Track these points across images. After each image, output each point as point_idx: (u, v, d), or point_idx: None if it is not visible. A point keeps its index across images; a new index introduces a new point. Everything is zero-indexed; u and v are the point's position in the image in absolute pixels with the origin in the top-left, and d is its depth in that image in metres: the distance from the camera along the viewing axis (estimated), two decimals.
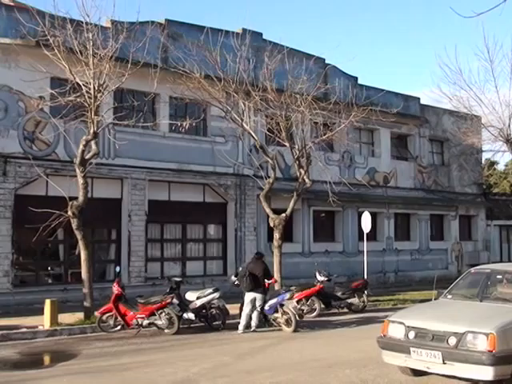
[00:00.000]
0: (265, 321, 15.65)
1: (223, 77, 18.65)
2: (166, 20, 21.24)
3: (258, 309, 15.35)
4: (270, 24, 65.09)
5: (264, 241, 23.91)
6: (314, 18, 69.35)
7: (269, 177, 19.88)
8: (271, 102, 19.21)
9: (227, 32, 20.21)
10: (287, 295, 15.74)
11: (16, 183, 18.24)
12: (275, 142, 20.79)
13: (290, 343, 13.96)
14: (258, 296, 15.37)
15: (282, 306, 15.57)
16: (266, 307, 15.45)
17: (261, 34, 23.48)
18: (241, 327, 15.21)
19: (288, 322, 15.35)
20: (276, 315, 15.55)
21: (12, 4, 19.75)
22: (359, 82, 27.30)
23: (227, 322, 15.64)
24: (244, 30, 21.60)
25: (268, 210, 19.89)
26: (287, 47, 20.23)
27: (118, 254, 20.62)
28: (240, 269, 16.47)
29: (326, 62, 24.57)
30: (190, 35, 20.83)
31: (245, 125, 19.04)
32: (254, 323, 15.31)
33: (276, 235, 19.69)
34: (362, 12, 69.19)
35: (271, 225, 19.95)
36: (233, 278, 16.34)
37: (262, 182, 20.49)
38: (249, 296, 15.38)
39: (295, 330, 15.16)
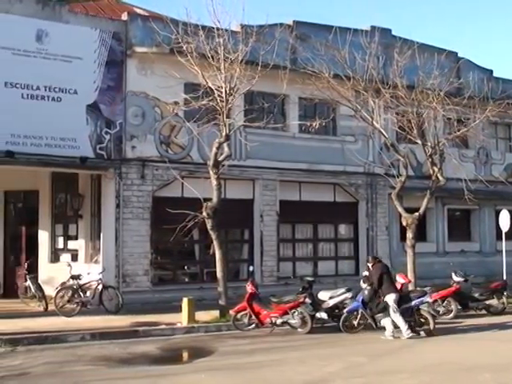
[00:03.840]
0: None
1: (352, 75, 18.52)
2: (294, 21, 21.35)
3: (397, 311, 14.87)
4: (398, 20, 63.91)
5: (396, 240, 23.48)
6: (444, 10, 67.37)
7: (400, 175, 19.54)
8: (402, 99, 18.87)
9: (356, 30, 20.06)
10: (427, 298, 15.28)
11: (153, 185, 18.99)
12: (406, 140, 20.39)
13: (426, 345, 13.64)
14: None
15: (418, 309, 15.14)
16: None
17: (390, 31, 23.07)
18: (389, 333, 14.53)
19: (423, 324, 14.94)
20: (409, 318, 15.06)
21: (147, 14, 20.61)
22: (495, 74, 26.20)
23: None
24: (372, 27, 21.32)
25: (400, 209, 19.55)
26: (417, 42, 19.84)
27: (251, 253, 20.96)
28: (364, 274, 15.97)
29: (459, 55, 23.80)
30: (318, 35, 20.83)
31: (375, 123, 18.81)
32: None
33: (409, 235, 19.30)
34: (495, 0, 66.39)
35: (404, 224, 19.59)
36: (362, 283, 15.49)
37: (393, 180, 20.13)
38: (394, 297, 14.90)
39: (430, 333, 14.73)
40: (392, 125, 21.00)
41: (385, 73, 20.20)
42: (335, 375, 10.58)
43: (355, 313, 15.05)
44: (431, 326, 14.80)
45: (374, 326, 14.88)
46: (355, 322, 15.04)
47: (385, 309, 14.63)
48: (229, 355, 12.61)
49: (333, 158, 22.09)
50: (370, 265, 15.24)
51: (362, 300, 14.85)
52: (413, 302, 14.87)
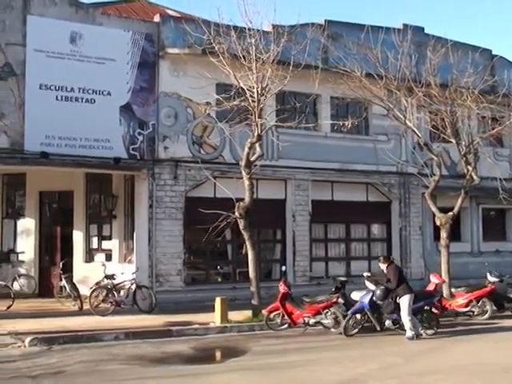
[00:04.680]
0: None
1: (385, 74, 18.43)
2: (325, 21, 21.28)
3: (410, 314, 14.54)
4: (431, 18, 63.35)
5: (430, 240, 23.29)
6: (477, 7, 66.54)
7: (434, 174, 19.39)
8: (435, 97, 18.73)
9: (388, 29, 19.96)
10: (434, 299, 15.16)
11: (186, 186, 19.09)
12: (440, 139, 20.21)
13: (461, 346, 13.49)
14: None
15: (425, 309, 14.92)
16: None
17: (422, 29, 22.86)
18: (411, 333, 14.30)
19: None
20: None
21: (179, 16, 20.75)
22: None
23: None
24: (405, 25, 21.18)
25: (434, 209, 19.40)
26: (451, 40, 19.63)
27: (284, 253, 20.95)
28: (366, 274, 15.76)
29: (493, 53, 23.50)
30: (350, 34, 20.75)
31: (408, 122, 18.69)
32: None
33: (443, 234, 19.14)
34: None
35: (438, 224, 19.45)
36: (368, 284, 15.17)
37: (426, 180, 19.99)
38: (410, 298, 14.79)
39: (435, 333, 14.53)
40: (425, 124, 20.82)
41: (417, 71, 20.06)
42: (368, 376, 10.53)
43: (358, 314, 14.68)
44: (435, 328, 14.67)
45: (379, 328, 14.60)
46: (352, 324, 14.61)
47: (395, 310, 14.41)
48: (262, 355, 12.62)
49: (365, 157, 21.97)
50: (381, 265, 14.99)
51: (370, 300, 14.51)
52: (421, 303, 14.71)
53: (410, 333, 14.08)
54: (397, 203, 22.89)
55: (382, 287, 14.45)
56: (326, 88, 19.00)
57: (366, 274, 15.83)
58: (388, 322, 14.56)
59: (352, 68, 18.33)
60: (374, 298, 14.50)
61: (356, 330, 14.56)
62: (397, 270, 14.86)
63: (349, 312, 14.67)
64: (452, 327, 15.84)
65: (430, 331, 14.59)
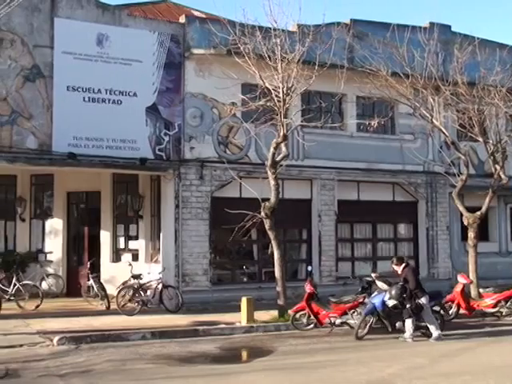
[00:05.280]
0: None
1: (411, 73, 18.33)
2: (351, 20, 21.20)
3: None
4: (458, 15, 62.81)
5: (457, 240, 23.07)
6: (504, 4, 65.76)
7: (461, 174, 19.24)
8: (462, 96, 18.59)
9: (414, 27, 19.80)
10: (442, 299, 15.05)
11: (212, 186, 19.14)
12: (467, 138, 20.08)
13: (489, 347, 13.37)
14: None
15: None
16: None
17: (449, 27, 22.66)
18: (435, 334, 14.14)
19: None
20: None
21: (204, 16, 20.82)
22: None
23: None
24: (431, 23, 21.03)
25: (461, 208, 19.25)
26: (478, 38, 19.46)
27: (309, 253, 20.91)
28: (374, 275, 15.61)
29: None
30: (375, 33, 20.63)
31: (435, 121, 18.56)
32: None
33: (471, 234, 18.98)
34: None
35: (465, 223, 19.30)
36: (381, 284, 14.92)
37: (454, 179, 19.84)
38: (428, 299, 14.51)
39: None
40: (452, 122, 20.66)
41: (444, 70, 19.89)
42: (396, 376, 10.48)
43: (369, 316, 14.35)
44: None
45: (390, 329, 14.40)
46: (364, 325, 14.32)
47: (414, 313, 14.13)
48: (288, 355, 12.62)
49: (392, 156, 21.85)
50: (395, 266, 14.76)
51: (382, 301, 14.23)
52: (432, 303, 14.55)
53: (436, 333, 13.96)
54: (423, 203, 22.72)
55: (399, 286, 14.18)
56: (352, 87, 18.93)
57: (373, 274, 15.67)
58: (399, 324, 14.37)
59: (378, 67, 18.26)
60: (387, 298, 14.18)
61: (365, 332, 14.22)
62: (414, 270, 14.81)
63: (363, 313, 14.46)
64: (480, 328, 15.71)
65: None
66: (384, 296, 14.24)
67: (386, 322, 14.45)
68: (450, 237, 23.01)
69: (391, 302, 14.05)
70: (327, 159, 20.64)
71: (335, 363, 11.59)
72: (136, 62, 18.16)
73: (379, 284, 14.85)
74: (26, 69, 17.05)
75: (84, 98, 17.55)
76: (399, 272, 14.59)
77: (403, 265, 14.63)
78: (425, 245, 22.66)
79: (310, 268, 17.96)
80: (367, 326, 14.24)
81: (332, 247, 21.00)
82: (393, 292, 14.16)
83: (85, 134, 17.46)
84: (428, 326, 14.10)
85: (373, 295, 14.64)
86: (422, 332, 14.31)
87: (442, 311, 15.33)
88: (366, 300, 14.93)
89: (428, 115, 18.52)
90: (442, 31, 20.57)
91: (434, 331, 13.99)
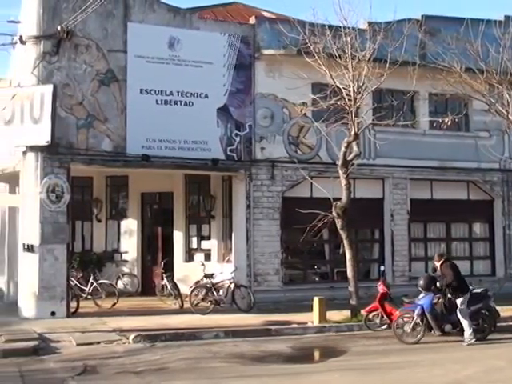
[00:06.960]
0: None
1: (485, 68, 17.86)
2: (422, 16, 20.83)
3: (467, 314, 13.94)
4: None
5: None
6: None
7: None
8: None
9: (488, 21, 19.31)
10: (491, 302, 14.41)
11: (283, 186, 19.16)
12: None
13: None
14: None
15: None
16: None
17: None
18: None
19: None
20: None
21: (274, 17, 20.85)
22: None
23: (498, 324, 14.83)
24: (507, 17, 20.51)
25: None
26: None
27: (382, 253, 20.69)
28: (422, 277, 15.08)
29: None
30: (448, 29, 20.19)
31: (511, 117, 18.05)
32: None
33: None
34: None
35: None
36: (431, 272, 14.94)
37: None
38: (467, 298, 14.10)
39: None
40: None
41: None
42: (472, 379, 10.27)
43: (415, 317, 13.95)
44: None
45: (439, 331, 13.95)
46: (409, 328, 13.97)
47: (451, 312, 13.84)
48: (361, 355, 12.54)
49: (466, 154, 21.37)
50: (436, 263, 14.45)
51: (430, 302, 13.90)
52: (480, 304, 14.11)
53: (467, 334, 13.57)
54: (500, 201, 22.14)
55: (426, 275, 14.04)
56: (424, 84, 18.65)
57: (422, 278, 14.87)
58: (448, 327, 14.00)
59: (451, 63, 17.88)
60: (418, 286, 14.08)
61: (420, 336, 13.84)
62: (452, 266, 14.30)
63: (415, 314, 14.04)
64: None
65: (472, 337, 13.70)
66: (432, 297, 14.02)
67: (434, 324, 14.01)
68: None
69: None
70: (399, 158, 20.37)
71: (409, 364, 11.47)
72: (207, 64, 18.36)
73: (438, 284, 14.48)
74: (101, 73, 17.47)
75: (156, 100, 17.86)
76: (438, 268, 14.36)
77: (441, 260, 14.35)
78: (501, 244, 22.07)
79: (382, 268, 17.76)
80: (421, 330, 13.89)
81: (405, 247, 20.71)
82: (420, 282, 14.18)
83: (157, 135, 17.77)
84: (463, 325, 13.72)
85: (420, 296, 14.33)
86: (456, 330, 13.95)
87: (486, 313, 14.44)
88: (441, 300, 14.59)
89: (504, 111, 18.04)
90: None
91: (466, 333, 13.62)
